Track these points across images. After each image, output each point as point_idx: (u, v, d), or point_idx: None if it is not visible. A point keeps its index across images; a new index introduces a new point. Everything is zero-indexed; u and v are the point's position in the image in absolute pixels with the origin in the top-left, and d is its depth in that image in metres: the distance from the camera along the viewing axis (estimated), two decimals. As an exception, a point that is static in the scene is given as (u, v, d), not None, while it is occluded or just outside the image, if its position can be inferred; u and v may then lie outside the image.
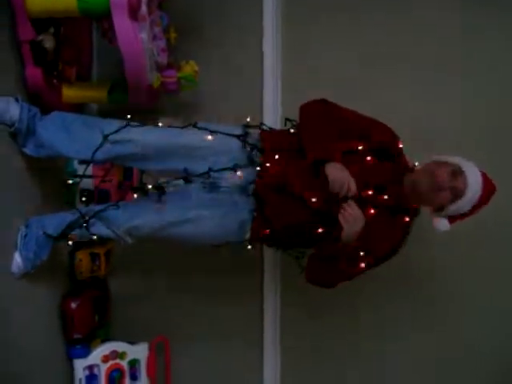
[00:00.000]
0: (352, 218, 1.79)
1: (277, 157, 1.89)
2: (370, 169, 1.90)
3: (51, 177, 2.27)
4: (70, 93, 2.25)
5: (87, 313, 2.36)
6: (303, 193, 1.85)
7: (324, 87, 2.45)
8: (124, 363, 2.41)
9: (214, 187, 1.93)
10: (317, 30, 2.58)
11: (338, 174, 1.80)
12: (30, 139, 1.97)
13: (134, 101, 2.19)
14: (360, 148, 1.90)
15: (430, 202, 1.90)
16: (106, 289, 2.60)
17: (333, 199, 1.81)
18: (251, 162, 1.91)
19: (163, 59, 2.19)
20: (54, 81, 2.17)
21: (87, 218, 1.98)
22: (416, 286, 2.58)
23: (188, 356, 2.69)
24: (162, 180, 1.97)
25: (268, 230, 1.93)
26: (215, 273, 2.60)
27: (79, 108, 2.45)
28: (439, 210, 1.89)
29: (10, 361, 1.96)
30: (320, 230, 1.87)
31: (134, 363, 2.44)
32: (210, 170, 1.90)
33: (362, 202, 1.84)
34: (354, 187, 1.81)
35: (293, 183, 1.86)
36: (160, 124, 2.00)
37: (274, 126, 2.18)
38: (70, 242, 2.12)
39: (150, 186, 1.97)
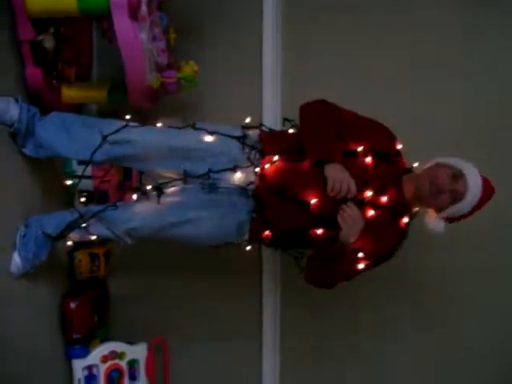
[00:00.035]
0: (351, 219, 1.79)
1: (276, 158, 1.89)
2: (370, 170, 1.90)
3: (51, 177, 2.27)
4: (69, 93, 2.25)
5: (86, 313, 2.36)
6: (303, 196, 1.85)
7: (324, 87, 2.44)
8: (123, 363, 2.41)
9: (212, 188, 1.93)
10: (317, 30, 2.58)
11: (337, 175, 1.80)
12: (29, 139, 1.97)
13: (133, 101, 2.19)
14: (359, 149, 1.90)
15: (430, 205, 1.91)
16: (105, 289, 2.60)
17: (332, 200, 1.81)
18: (251, 164, 1.90)
19: (163, 60, 2.19)
20: (54, 81, 2.17)
21: (86, 218, 1.98)
22: (416, 286, 2.58)
23: (187, 356, 2.70)
24: (161, 181, 1.97)
25: (268, 232, 1.93)
26: (214, 273, 2.61)
27: (78, 108, 2.45)
28: (439, 211, 1.90)
29: (9, 360, 1.96)
30: (320, 232, 1.87)
31: (133, 363, 2.44)
32: (210, 171, 1.90)
33: (361, 203, 1.85)
34: (353, 188, 1.81)
35: (292, 186, 1.86)
36: (159, 124, 2.00)
37: (273, 127, 2.18)
38: (70, 242, 2.12)
39: (149, 187, 1.97)
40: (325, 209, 1.84)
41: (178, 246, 2.06)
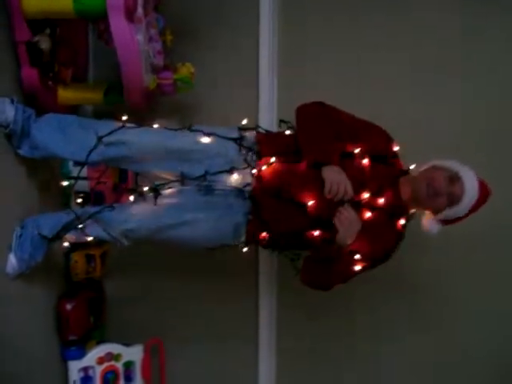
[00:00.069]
0: (348, 222, 1.79)
1: (273, 160, 1.89)
2: (367, 172, 1.89)
3: (48, 178, 2.26)
4: (65, 94, 2.25)
5: (82, 314, 2.36)
6: (300, 197, 1.85)
7: (321, 89, 2.44)
8: (119, 365, 2.41)
9: (208, 190, 1.92)
10: (314, 32, 2.57)
11: (335, 176, 1.80)
12: (24, 141, 1.97)
13: (129, 102, 2.19)
14: (356, 151, 1.90)
15: (426, 207, 1.92)
16: (101, 290, 2.60)
17: (329, 202, 1.81)
18: (247, 165, 1.90)
19: (159, 61, 2.19)
20: (50, 82, 2.16)
21: (83, 219, 1.98)
22: (412, 288, 2.58)
23: (183, 358, 2.69)
24: (157, 182, 1.96)
25: (265, 233, 1.93)
26: (210, 274, 2.60)
27: (74, 109, 2.45)
28: (435, 213, 1.90)
29: (5, 361, 1.96)
30: (317, 233, 1.87)
31: (128, 365, 2.44)
32: (207, 173, 1.89)
33: (358, 205, 1.85)
34: (350, 190, 1.81)
35: (289, 188, 1.86)
36: (155, 126, 1.99)
37: (270, 128, 2.17)
38: (67, 243, 2.12)
39: (146, 188, 1.97)
40: (322, 210, 1.84)
41: (175, 247, 2.06)
